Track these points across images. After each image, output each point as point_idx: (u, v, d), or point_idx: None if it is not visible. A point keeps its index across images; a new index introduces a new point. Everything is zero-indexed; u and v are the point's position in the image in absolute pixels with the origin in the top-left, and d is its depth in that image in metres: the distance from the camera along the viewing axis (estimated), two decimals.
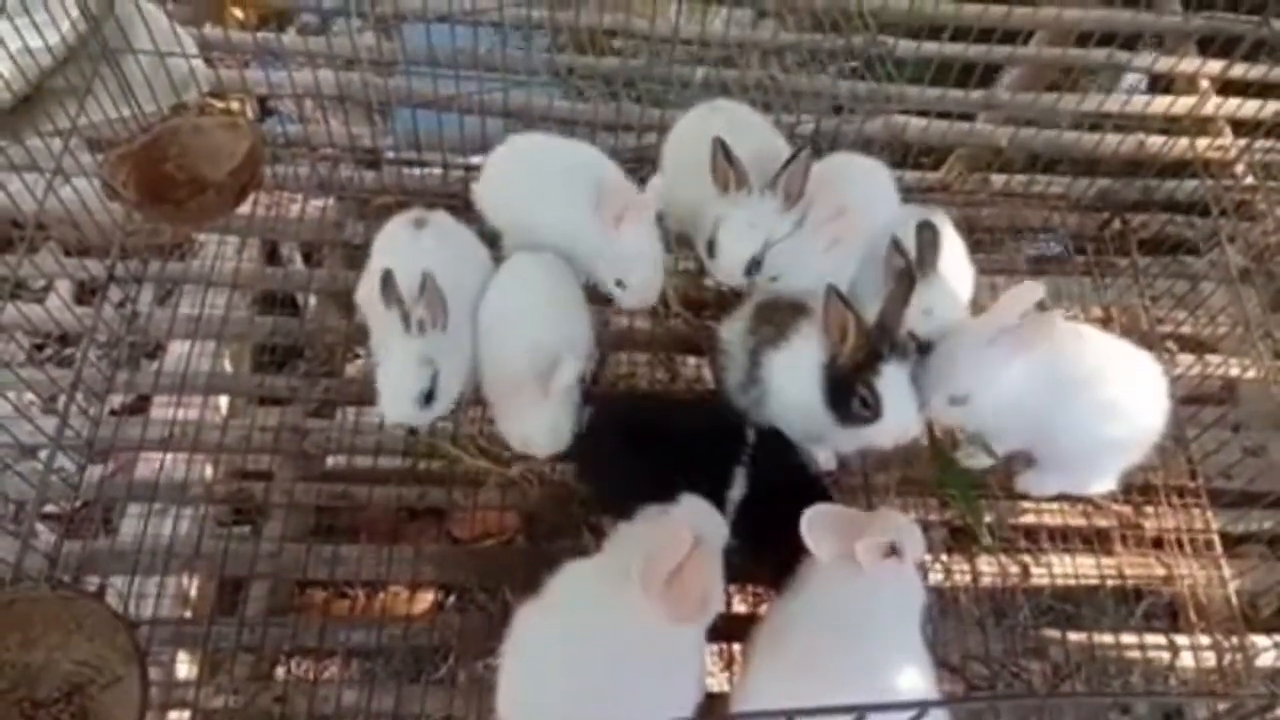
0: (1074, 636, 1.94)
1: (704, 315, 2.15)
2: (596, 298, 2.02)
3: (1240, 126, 2.62)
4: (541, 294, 1.89)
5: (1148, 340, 2.17)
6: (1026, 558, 1.99)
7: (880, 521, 1.58)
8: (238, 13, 2.95)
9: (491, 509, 2.01)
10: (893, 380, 1.68)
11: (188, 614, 2.04)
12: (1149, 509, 2.04)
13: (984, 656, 1.90)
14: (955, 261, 1.93)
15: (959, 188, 2.56)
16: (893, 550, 1.53)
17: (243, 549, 1.95)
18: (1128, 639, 1.94)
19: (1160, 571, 2.00)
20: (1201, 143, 2.56)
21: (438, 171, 2.45)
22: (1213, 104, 2.63)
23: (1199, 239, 2.49)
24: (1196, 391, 2.22)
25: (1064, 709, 1.83)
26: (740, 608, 1.94)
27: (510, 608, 1.57)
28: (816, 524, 1.54)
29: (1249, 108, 2.52)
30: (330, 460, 2.29)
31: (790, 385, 1.77)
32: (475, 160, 2.45)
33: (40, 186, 1.98)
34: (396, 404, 1.77)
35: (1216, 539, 2.03)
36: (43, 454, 1.98)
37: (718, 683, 1.82)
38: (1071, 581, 1.99)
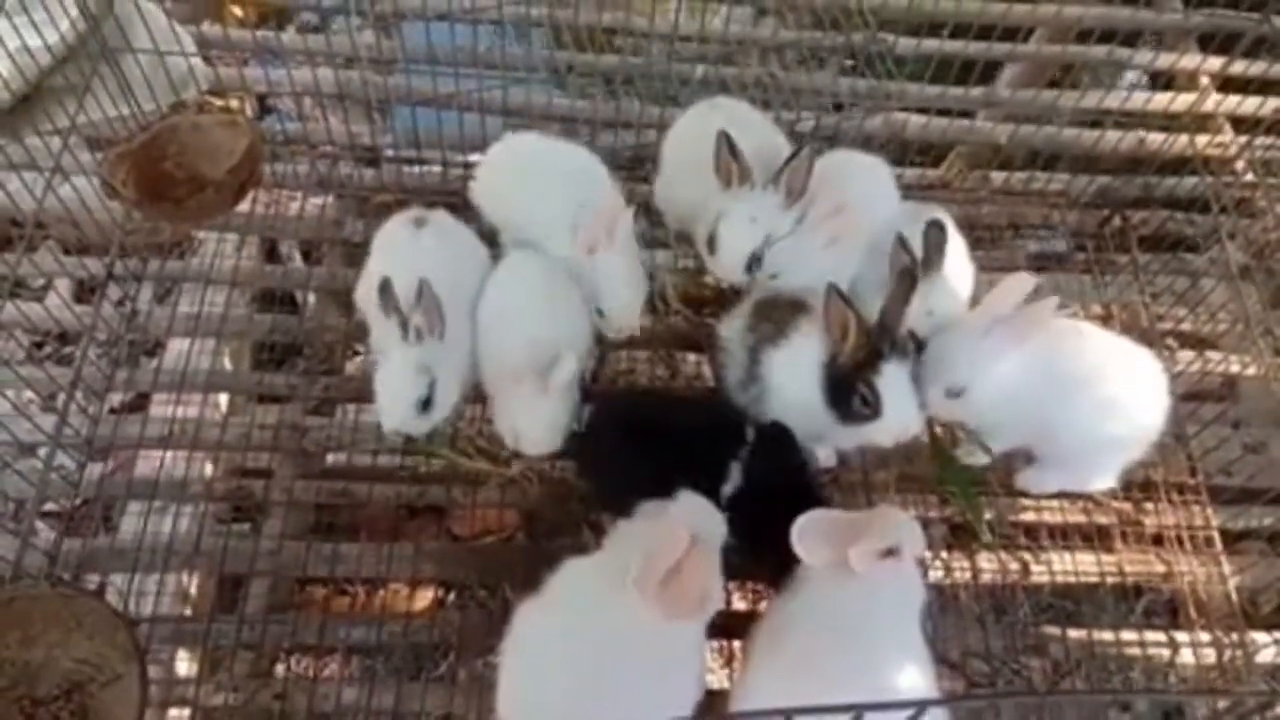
0: (1074, 633, 1.94)
1: (704, 312, 2.14)
2: None
3: (1240, 123, 2.61)
4: (540, 291, 1.89)
5: (1148, 337, 2.17)
6: (1026, 555, 1.99)
7: (878, 521, 1.57)
8: (237, 11, 2.96)
9: (491, 506, 2.01)
10: (893, 379, 1.68)
11: (188, 611, 2.04)
12: (1149, 506, 2.04)
13: (984, 653, 1.90)
14: (955, 260, 1.93)
15: (959, 185, 2.56)
16: (888, 552, 1.52)
17: (242, 546, 1.95)
18: (1128, 636, 1.94)
19: (1160, 568, 2.00)
20: (1201, 140, 2.56)
21: (437, 169, 2.45)
22: (1213, 101, 2.63)
23: (1199, 236, 2.49)
24: (1196, 388, 2.22)
25: (1064, 706, 1.82)
26: (740, 605, 1.94)
27: (510, 605, 1.57)
28: (808, 532, 1.53)
29: (1249, 104, 2.52)
30: (330, 458, 2.29)
31: (790, 383, 1.77)
32: (474, 158, 2.45)
33: (39, 185, 1.98)
34: (394, 412, 1.76)
35: (1216, 535, 2.03)
36: (42, 452, 1.99)
37: (718, 680, 1.82)
38: (1071, 578, 1.99)
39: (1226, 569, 2.00)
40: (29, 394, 2.48)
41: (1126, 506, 2.04)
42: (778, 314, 1.81)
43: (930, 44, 2.69)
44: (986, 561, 1.97)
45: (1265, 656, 1.92)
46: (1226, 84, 2.68)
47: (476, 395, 1.93)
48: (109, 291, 2.20)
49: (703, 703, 1.53)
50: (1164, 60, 2.75)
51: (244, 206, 2.30)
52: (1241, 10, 2.84)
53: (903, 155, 2.58)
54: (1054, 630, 1.94)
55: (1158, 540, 2.03)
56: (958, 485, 1.98)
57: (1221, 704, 1.58)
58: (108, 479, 2.04)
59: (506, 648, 1.50)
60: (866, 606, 1.53)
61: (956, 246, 1.95)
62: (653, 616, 1.42)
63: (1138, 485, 2.04)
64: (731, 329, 1.88)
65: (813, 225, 1.86)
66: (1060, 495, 2.02)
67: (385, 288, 1.73)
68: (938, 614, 1.83)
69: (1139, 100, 2.63)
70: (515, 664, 1.50)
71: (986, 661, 1.91)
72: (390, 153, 2.54)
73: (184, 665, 1.98)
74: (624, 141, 2.44)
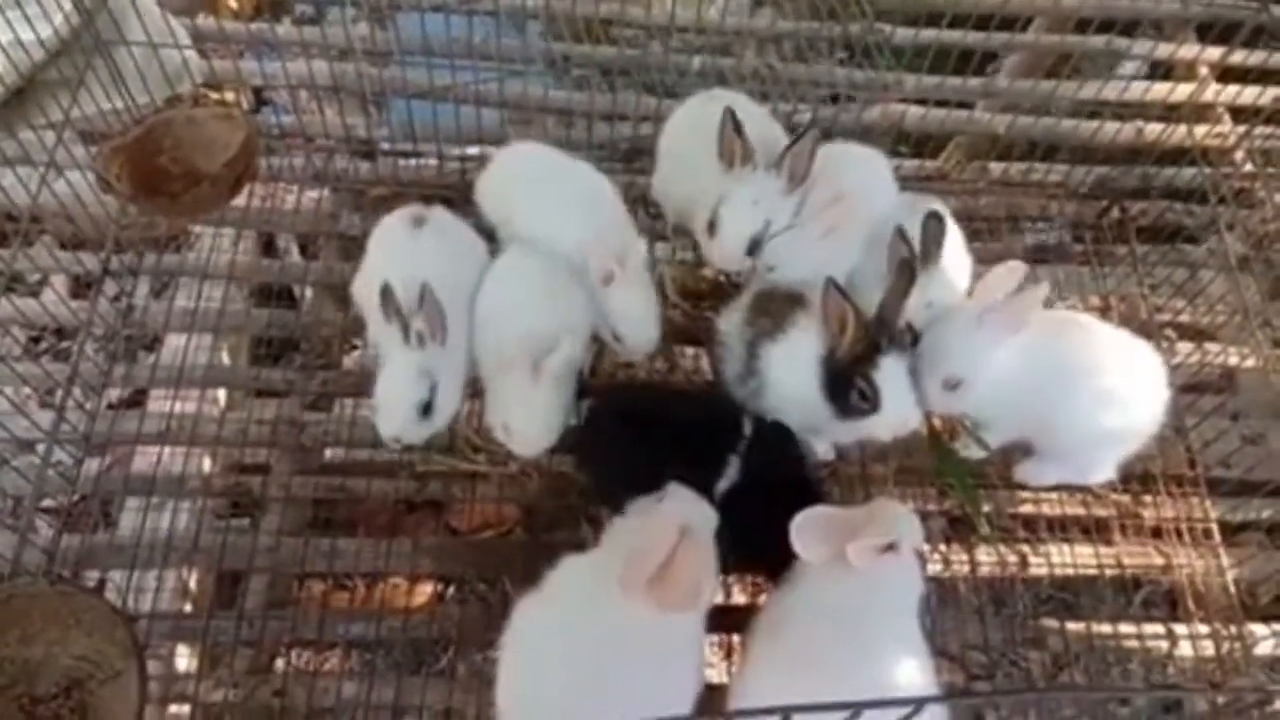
0: (1073, 626, 1.94)
1: (702, 306, 2.14)
2: None
3: (1239, 113, 2.61)
4: (538, 285, 1.88)
5: (1146, 329, 2.17)
6: (1025, 547, 1.99)
7: (877, 515, 1.57)
8: (232, 3, 2.94)
9: (490, 501, 2.01)
10: (891, 372, 1.68)
11: (187, 608, 2.03)
12: (1147, 498, 2.04)
13: (983, 646, 1.91)
14: (953, 251, 1.92)
15: (957, 176, 2.55)
16: (887, 547, 1.52)
17: (241, 542, 1.95)
18: (1126, 628, 1.94)
19: (1159, 561, 2.00)
20: (1200, 130, 2.55)
21: (433, 162, 2.44)
22: (1212, 91, 2.62)
23: (1198, 227, 2.49)
24: (1195, 380, 2.22)
25: (1063, 700, 1.83)
26: (740, 598, 1.94)
27: (510, 599, 1.57)
28: (806, 529, 1.53)
29: (1248, 94, 2.51)
30: (328, 453, 2.29)
31: (788, 377, 1.76)
32: (471, 151, 2.44)
33: (34, 180, 1.97)
34: (393, 417, 1.74)
35: (1215, 528, 2.03)
36: (40, 448, 1.98)
37: (717, 673, 1.82)
38: (1070, 571, 1.99)
39: (1225, 561, 2.00)
40: (26, 390, 2.48)
41: (1125, 499, 2.04)
42: (776, 308, 1.81)
43: (928, 34, 2.67)
44: (985, 554, 1.97)
45: (1264, 649, 1.93)
46: (1225, 74, 2.67)
47: (474, 391, 1.92)
48: (105, 287, 2.19)
49: (702, 696, 1.53)
50: (1162, 50, 2.74)
51: (240, 200, 2.28)
52: None
53: (900, 146, 2.57)
54: (1053, 623, 1.94)
55: (1156, 532, 2.03)
56: (956, 478, 1.97)
57: (1220, 700, 1.59)
58: (105, 475, 2.04)
59: (506, 643, 1.50)
60: (865, 600, 1.53)
61: (954, 238, 1.95)
62: (650, 611, 1.42)
63: (1136, 477, 2.04)
64: (729, 323, 1.87)
65: (810, 215, 1.86)
66: (1059, 487, 2.01)
67: (386, 292, 1.71)
68: (937, 606, 1.84)
69: (1137, 90, 2.62)
70: (514, 659, 1.50)
71: (985, 654, 1.92)
72: (386, 146, 2.53)
73: (183, 661, 1.98)
74: (621, 133, 2.43)
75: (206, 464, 2.15)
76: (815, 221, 1.85)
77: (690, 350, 2.19)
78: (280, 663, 1.98)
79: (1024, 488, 2.02)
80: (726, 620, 1.76)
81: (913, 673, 1.45)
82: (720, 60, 2.64)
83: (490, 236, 2.04)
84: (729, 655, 1.82)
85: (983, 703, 1.72)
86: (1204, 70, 2.73)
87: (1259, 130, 2.48)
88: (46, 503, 2.18)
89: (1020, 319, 1.72)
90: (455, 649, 2.17)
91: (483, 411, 1.97)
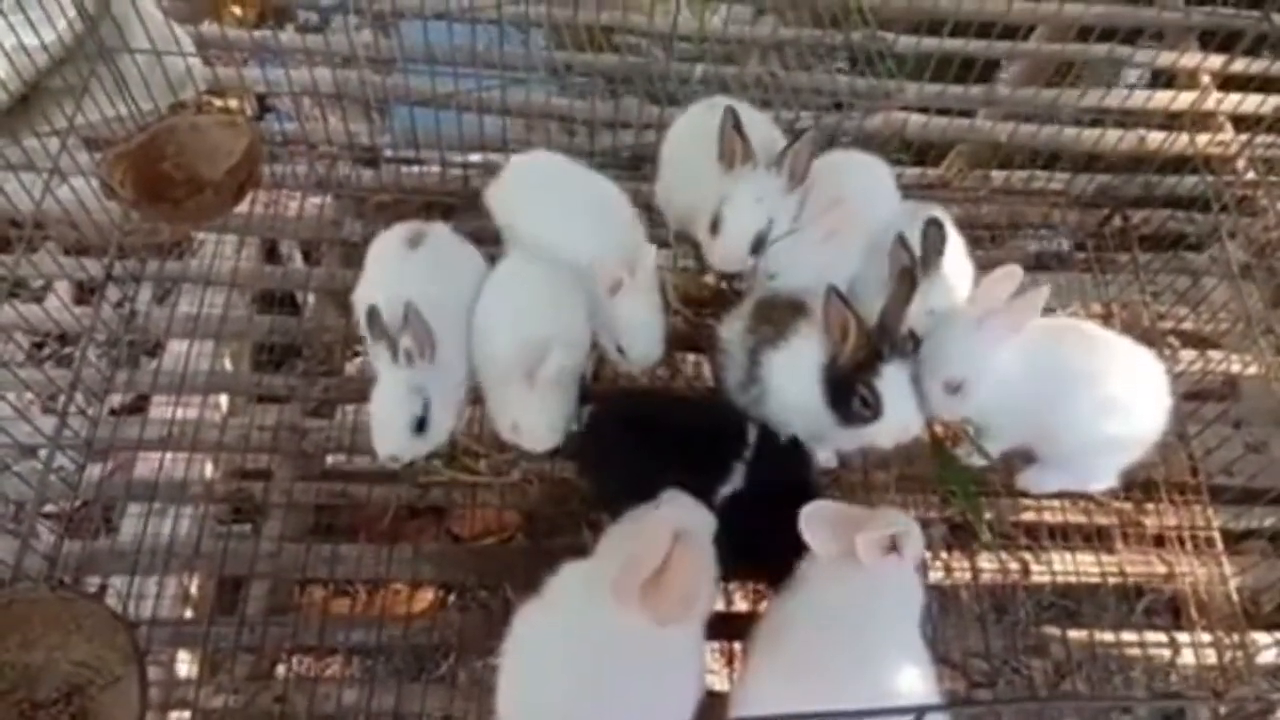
0: (1075, 634, 1.93)
1: (703, 313, 2.14)
2: None
3: (1241, 122, 2.61)
4: (536, 293, 1.87)
5: (1149, 336, 2.16)
6: (1027, 555, 1.98)
7: (881, 519, 1.58)
8: (236, 10, 2.95)
9: (491, 507, 2.01)
10: (893, 379, 1.68)
11: (188, 614, 2.04)
12: (1150, 506, 2.04)
13: (985, 653, 1.90)
14: (954, 259, 1.93)
15: (959, 184, 2.56)
16: (893, 546, 1.52)
17: (242, 548, 1.95)
18: (1129, 636, 1.93)
19: (1161, 569, 2.00)
20: (1202, 138, 2.55)
21: (436, 169, 2.44)
22: (1214, 99, 2.62)
23: (1200, 235, 2.49)
24: (1198, 387, 2.22)
25: (1065, 708, 1.82)
26: (741, 605, 1.94)
27: (511, 605, 1.57)
28: (815, 520, 1.54)
29: (1250, 103, 2.51)
30: (330, 459, 2.29)
31: (790, 384, 1.76)
32: (474, 158, 2.44)
33: (38, 186, 1.98)
34: (388, 435, 1.74)
35: (1218, 536, 2.03)
36: (42, 454, 1.98)
37: (719, 680, 1.82)
38: (1072, 579, 1.98)
39: (1228, 569, 1.99)
40: (29, 395, 2.48)
41: (1128, 506, 2.04)
42: (778, 315, 1.81)
43: (930, 42, 2.68)
44: (987, 561, 1.97)
45: (1266, 657, 1.92)
46: (1227, 82, 2.68)
47: (473, 398, 1.92)
48: (108, 292, 2.19)
49: (703, 703, 1.52)
50: (1165, 58, 2.75)
51: (243, 207, 2.29)
52: (1242, 8, 2.83)
53: (902, 154, 2.57)
54: (1055, 630, 1.94)
55: (1159, 540, 2.02)
56: (958, 485, 1.97)
57: (1223, 710, 1.58)
58: (107, 481, 2.04)
59: (506, 651, 1.50)
60: (867, 608, 1.53)
61: (956, 246, 1.95)
62: (648, 619, 1.41)
63: (1139, 485, 2.03)
64: (731, 330, 1.87)
65: (811, 220, 1.86)
66: (1061, 495, 2.01)
67: (372, 314, 1.73)
68: (938, 614, 1.83)
69: (1139, 99, 2.62)
70: (515, 666, 1.49)
71: (987, 661, 1.91)
72: (389, 153, 2.53)
73: (184, 667, 1.98)
74: (623, 141, 2.43)
75: (208, 470, 2.15)
76: (816, 226, 1.86)
77: (691, 357, 2.19)
78: (281, 669, 1.98)
79: (1026, 495, 2.01)
80: (728, 627, 1.76)
81: (914, 681, 1.44)
82: (723, 68, 2.64)
83: (498, 239, 2.04)
84: (730, 662, 1.82)
85: (984, 711, 1.71)
86: (1206, 79, 2.74)
87: (1261, 138, 2.48)
88: (48, 508, 2.18)
89: (1021, 321, 1.72)
90: (456, 656, 2.16)
91: (483, 420, 1.97)
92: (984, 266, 2.01)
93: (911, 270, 1.73)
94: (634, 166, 2.42)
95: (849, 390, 1.69)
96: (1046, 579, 1.98)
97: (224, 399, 2.31)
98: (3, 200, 1.90)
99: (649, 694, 1.45)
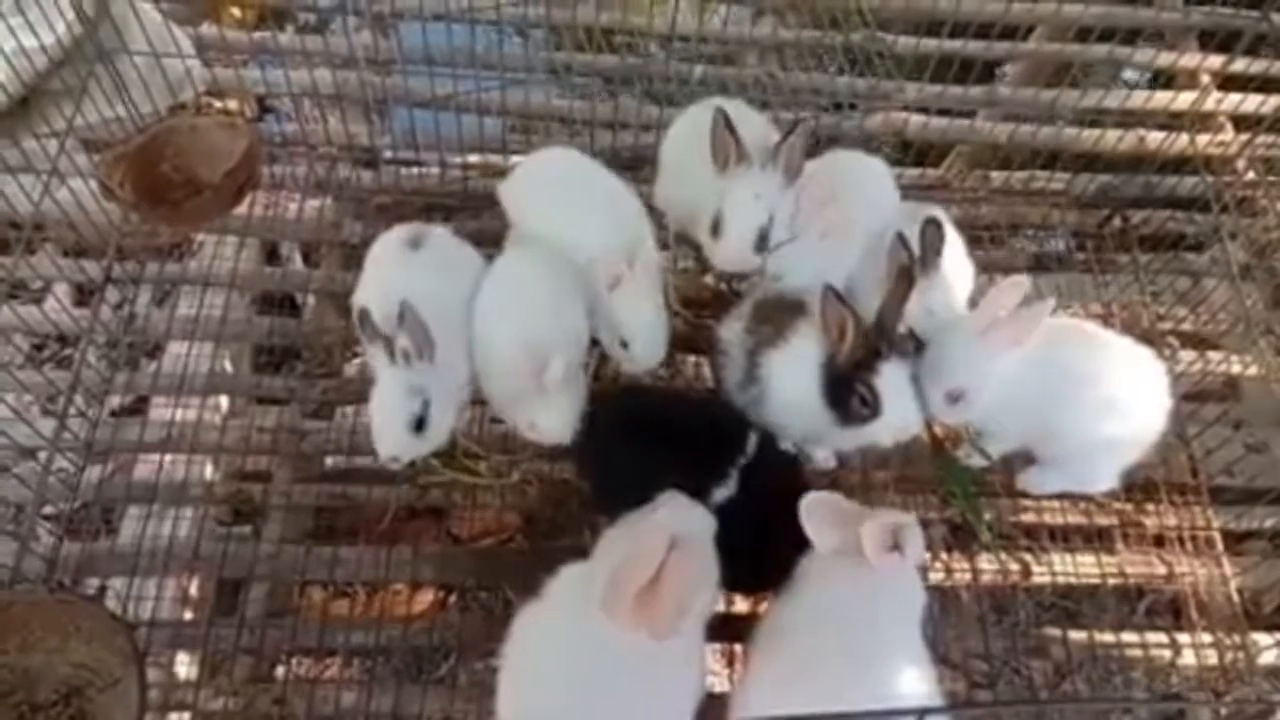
0: (1075, 635, 1.93)
1: (703, 314, 2.14)
2: None
3: (1241, 122, 2.60)
4: (533, 292, 1.87)
5: (1149, 337, 2.16)
6: (1027, 556, 1.98)
7: (883, 516, 1.57)
8: (235, 11, 2.95)
9: (491, 508, 2.01)
10: (892, 378, 1.68)
11: (187, 615, 2.03)
12: (1150, 507, 2.04)
13: (985, 654, 1.90)
14: (955, 259, 1.93)
15: (959, 185, 2.56)
16: (896, 545, 1.52)
17: (242, 550, 1.95)
18: (1129, 637, 1.93)
19: (1161, 569, 1.99)
20: (1202, 138, 2.55)
21: (435, 171, 2.44)
22: (1213, 99, 2.62)
23: (1200, 235, 2.49)
24: (1198, 388, 2.22)
25: (1066, 710, 1.82)
26: (742, 607, 1.94)
27: (511, 607, 1.57)
28: (816, 512, 1.54)
29: (1250, 103, 2.51)
30: (329, 460, 2.29)
31: (789, 384, 1.76)
32: (473, 159, 2.44)
33: (37, 188, 1.98)
34: (388, 436, 1.73)
35: (1218, 536, 2.03)
36: (42, 455, 1.98)
37: (720, 682, 1.81)
38: (1073, 579, 1.98)
39: (1228, 570, 1.99)
40: (28, 397, 2.48)
41: (1128, 507, 2.03)
42: (777, 315, 1.81)
43: (930, 43, 2.68)
44: (987, 562, 1.96)
45: (1267, 658, 1.92)
46: (1227, 82, 2.67)
47: (474, 399, 1.92)
48: (108, 294, 2.19)
49: (704, 705, 1.52)
50: (1164, 59, 2.74)
51: (242, 209, 2.29)
52: (1241, 8, 2.83)
53: (902, 155, 2.57)
54: (1055, 631, 1.94)
55: (1159, 541, 2.02)
56: (958, 486, 1.97)
57: (1224, 712, 1.58)
58: (107, 482, 2.03)
59: (506, 654, 1.50)
60: (867, 609, 1.53)
61: (955, 246, 1.95)
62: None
63: (1139, 486, 2.03)
64: (731, 330, 1.87)
65: (808, 218, 1.86)
66: (1061, 496, 2.01)
67: (364, 316, 1.73)
68: (938, 615, 1.83)
69: (1139, 99, 2.62)
70: (515, 668, 1.49)
71: (987, 663, 1.91)
72: (388, 154, 2.53)
73: (183, 669, 1.98)
74: (623, 142, 2.43)
75: (208, 471, 2.15)
76: (813, 225, 1.86)
77: (692, 358, 2.19)
78: (280, 671, 1.98)
79: (1026, 496, 2.01)
80: (728, 628, 1.75)
81: (915, 682, 1.44)
82: (722, 69, 2.64)
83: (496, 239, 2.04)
84: (731, 664, 1.82)
85: (985, 713, 1.71)
86: (1206, 79, 2.73)
87: (1261, 139, 2.48)
88: (48, 510, 2.18)
89: (1024, 334, 1.71)
90: (456, 657, 2.16)
91: (483, 421, 1.97)
92: (984, 267, 2.02)
93: (909, 269, 1.73)
94: (633, 167, 2.42)
95: (848, 389, 1.69)
96: (1047, 580, 1.98)
97: (224, 401, 2.31)
98: (2, 202, 1.90)
99: (650, 696, 1.45)
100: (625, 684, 1.44)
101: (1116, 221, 2.48)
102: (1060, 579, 1.98)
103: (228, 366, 2.40)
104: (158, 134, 2.19)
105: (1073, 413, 1.79)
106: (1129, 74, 2.98)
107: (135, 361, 2.37)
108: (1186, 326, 2.32)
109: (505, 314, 1.85)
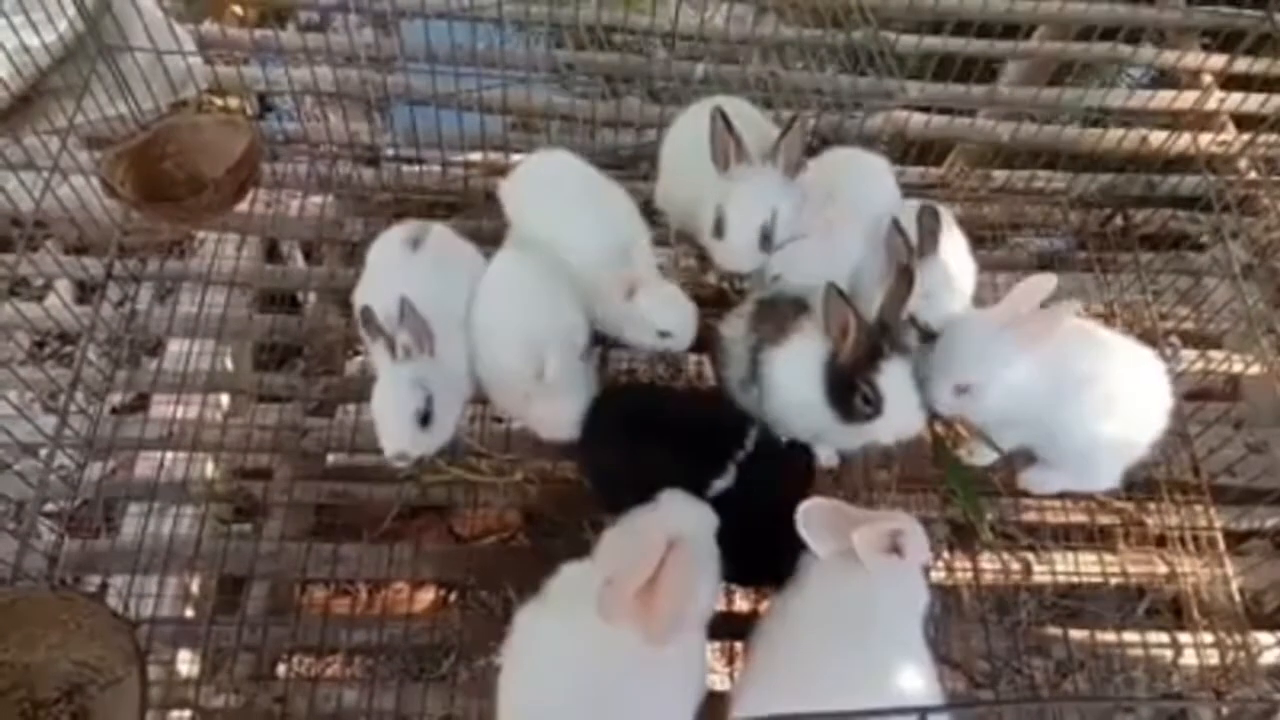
0: (1077, 634, 1.93)
1: (705, 313, 2.14)
2: None
3: (1243, 121, 2.60)
4: (531, 291, 1.87)
5: (1150, 336, 2.16)
6: (1029, 555, 1.98)
7: (880, 519, 1.57)
8: (237, 9, 2.95)
9: (492, 507, 2.01)
10: (894, 376, 1.67)
11: (188, 613, 2.03)
12: (1152, 506, 2.04)
13: (986, 654, 1.90)
14: (957, 255, 1.92)
15: (960, 184, 2.55)
16: (894, 546, 1.52)
17: (243, 548, 1.95)
18: (1131, 636, 1.93)
19: (1163, 569, 1.99)
20: (1204, 138, 2.55)
21: (437, 169, 2.44)
22: (1215, 99, 2.62)
23: (1202, 234, 2.48)
24: (1199, 387, 2.22)
25: (1067, 708, 1.82)
26: (743, 605, 1.94)
27: (512, 605, 1.57)
28: (814, 518, 1.53)
29: (1252, 102, 2.51)
30: (330, 458, 2.28)
31: (791, 382, 1.76)
32: (474, 157, 2.44)
33: (38, 185, 1.98)
34: (394, 432, 1.72)
35: (1219, 536, 2.02)
36: (43, 453, 1.98)
37: (720, 680, 1.81)
38: (1074, 578, 1.98)
39: (1230, 569, 1.99)
40: (29, 394, 2.48)
41: (1129, 506, 2.03)
42: (778, 314, 1.81)
43: (932, 41, 2.68)
44: (989, 561, 1.96)
45: (1269, 657, 1.92)
46: (1229, 82, 2.67)
47: (475, 397, 1.92)
48: (109, 292, 2.19)
49: (705, 703, 1.52)
50: (1166, 58, 2.74)
51: (243, 206, 2.29)
52: (1244, 8, 2.83)
53: (904, 153, 2.57)
54: (1056, 630, 1.94)
55: (1161, 540, 2.02)
56: (959, 485, 1.97)
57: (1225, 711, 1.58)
58: (108, 480, 2.03)
59: (507, 653, 1.50)
60: (869, 607, 1.52)
61: (957, 239, 1.94)
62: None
63: (1141, 485, 2.03)
64: (733, 329, 1.87)
65: (810, 215, 1.86)
66: (1063, 495, 2.01)
67: (366, 314, 1.73)
68: (940, 614, 1.82)
69: (1141, 98, 2.61)
70: (516, 667, 1.49)
71: (989, 662, 1.91)
72: (390, 152, 2.53)
73: (185, 667, 1.97)
74: (624, 140, 2.43)
75: (209, 469, 2.15)
76: (815, 224, 1.86)
77: (693, 356, 2.19)
78: (282, 669, 1.98)
79: (1028, 495, 2.01)
80: (729, 627, 1.75)
81: (916, 681, 1.44)
82: (724, 67, 2.64)
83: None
84: (731, 662, 1.81)
85: (986, 711, 1.71)
86: (1208, 78, 2.74)
87: (1263, 138, 2.48)
88: (49, 507, 2.18)
89: (1045, 332, 1.71)
90: (457, 655, 2.16)
91: (485, 419, 1.97)
92: (986, 266, 2.01)
93: (908, 267, 1.73)
94: (634, 166, 2.42)
95: (850, 387, 1.69)
96: (1048, 579, 1.98)
97: (225, 398, 2.31)
98: (3, 199, 1.90)
99: (650, 695, 1.45)
100: (626, 683, 1.44)
101: (1118, 221, 2.48)
102: (1062, 578, 1.98)
103: (229, 364, 2.40)
104: (159, 131, 2.19)
105: (1074, 412, 1.79)
106: (1131, 73, 2.98)
107: (136, 359, 2.37)
108: (1188, 326, 2.32)
109: (501, 313, 1.86)
